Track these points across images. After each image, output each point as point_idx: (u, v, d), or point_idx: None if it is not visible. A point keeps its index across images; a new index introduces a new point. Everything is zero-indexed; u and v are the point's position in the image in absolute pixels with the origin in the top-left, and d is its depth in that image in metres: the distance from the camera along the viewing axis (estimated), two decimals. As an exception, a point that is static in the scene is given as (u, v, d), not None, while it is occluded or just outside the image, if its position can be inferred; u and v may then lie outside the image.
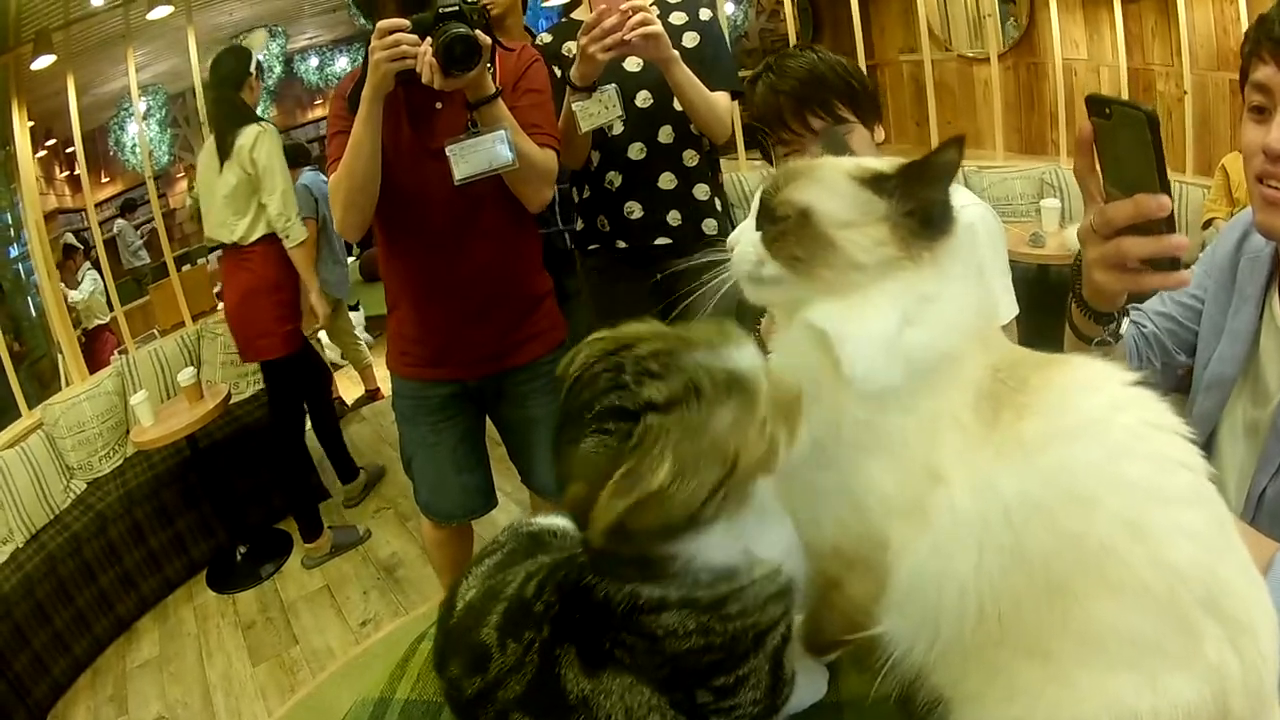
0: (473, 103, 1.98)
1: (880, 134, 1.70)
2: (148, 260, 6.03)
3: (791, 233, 0.73)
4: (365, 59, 1.99)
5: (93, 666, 4.06)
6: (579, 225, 2.77)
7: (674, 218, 2.59)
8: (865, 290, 0.70)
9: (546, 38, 2.65)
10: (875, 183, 0.72)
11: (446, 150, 1.99)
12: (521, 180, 2.13)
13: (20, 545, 4.00)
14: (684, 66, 2.34)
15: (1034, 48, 5.22)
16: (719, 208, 2.66)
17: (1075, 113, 4.82)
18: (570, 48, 2.40)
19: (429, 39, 1.87)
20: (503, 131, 1.98)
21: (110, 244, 5.41)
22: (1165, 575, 0.62)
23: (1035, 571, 0.65)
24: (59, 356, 4.94)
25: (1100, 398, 0.68)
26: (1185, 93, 4.46)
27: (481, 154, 1.97)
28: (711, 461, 0.65)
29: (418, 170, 2.10)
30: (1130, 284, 0.94)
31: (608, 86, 2.29)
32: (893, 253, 0.70)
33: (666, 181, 2.57)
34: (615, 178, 2.57)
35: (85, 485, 4.41)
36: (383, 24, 1.88)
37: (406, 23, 1.88)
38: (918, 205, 0.71)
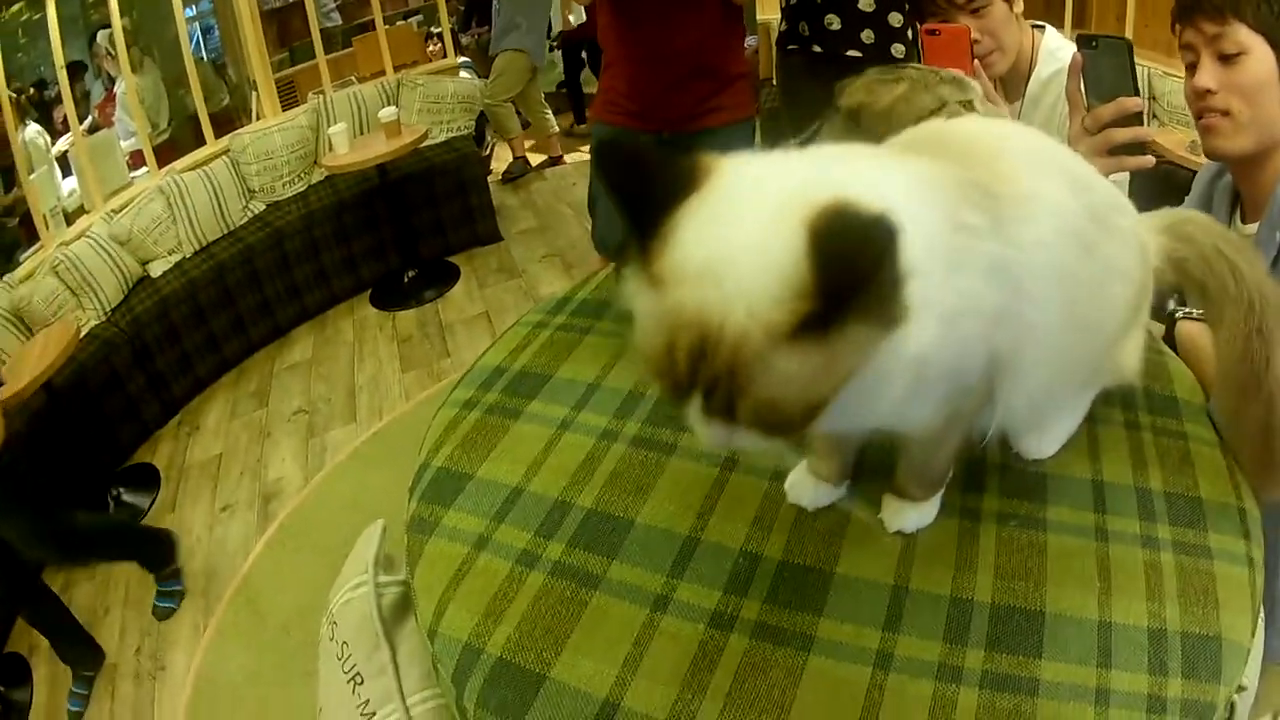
0: None
1: (1019, 5, 1.83)
2: (339, 23, 6.22)
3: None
4: None
5: (240, 366, 4.28)
6: (782, 26, 2.93)
7: (867, 35, 2.75)
8: None
9: None
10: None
11: None
12: None
13: (188, 255, 4.22)
14: None
15: None
16: (910, 37, 2.81)
17: None
18: None
19: None
20: None
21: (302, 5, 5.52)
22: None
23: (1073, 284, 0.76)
24: (253, 94, 5.17)
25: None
26: None
27: None
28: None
29: None
30: (1113, 167, 1.22)
31: None
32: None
33: (865, 3, 2.72)
34: None
35: (265, 206, 4.62)
36: None
37: None
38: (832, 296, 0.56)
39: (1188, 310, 1.23)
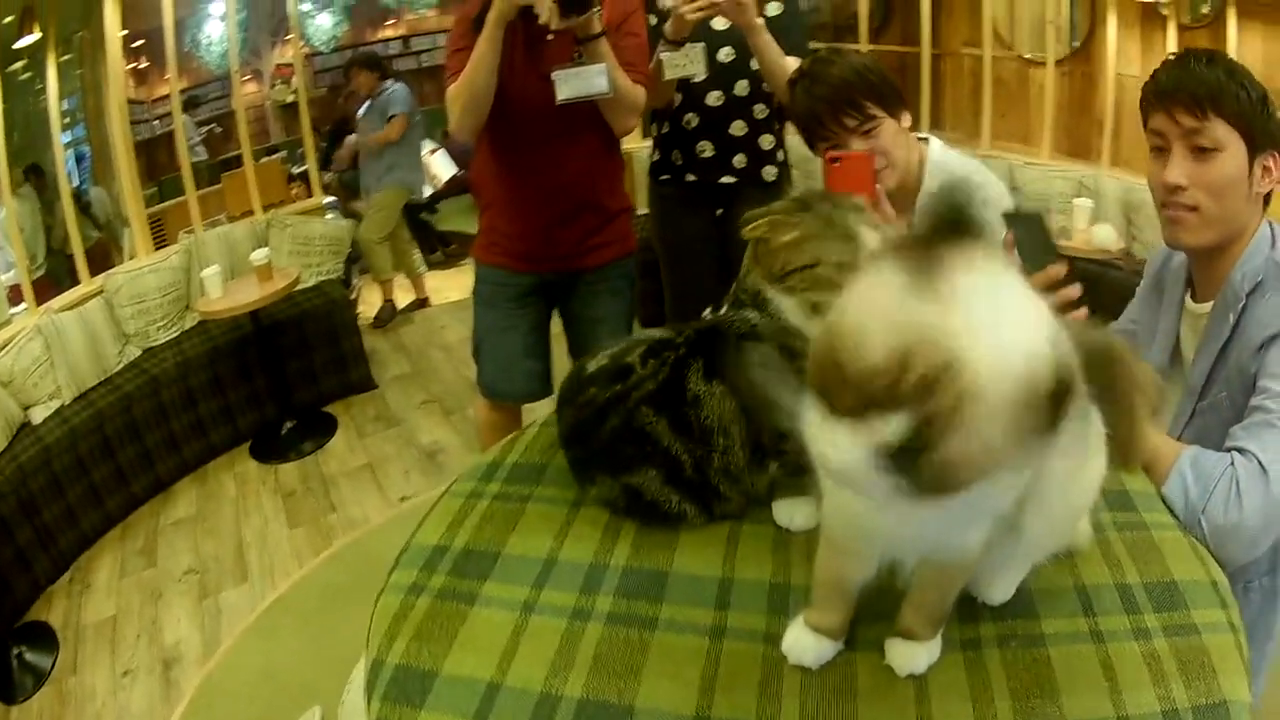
0: (581, 38, 2.26)
1: (907, 120, 1.87)
2: (205, 157, 6.16)
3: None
4: None
5: (125, 522, 4.02)
6: (654, 156, 3.07)
7: (739, 160, 2.91)
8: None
9: None
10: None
11: (552, 75, 2.26)
12: (613, 109, 2.41)
13: (67, 402, 4.00)
14: (764, 33, 2.59)
15: (1090, 58, 5.34)
16: (780, 158, 2.97)
17: (1122, 123, 5.03)
18: (666, 1, 2.70)
19: None
20: (604, 66, 2.27)
21: (168, 139, 5.46)
22: None
23: None
24: (125, 231, 5.01)
25: None
26: None
27: (582, 81, 2.27)
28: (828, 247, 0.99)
29: (526, 88, 2.36)
30: None
31: (696, 44, 2.61)
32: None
33: (737, 129, 2.86)
34: (693, 119, 2.87)
35: (140, 352, 4.43)
36: None
37: None
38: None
39: None
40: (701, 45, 2.63)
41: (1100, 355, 0.76)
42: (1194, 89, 1.29)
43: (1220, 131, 1.29)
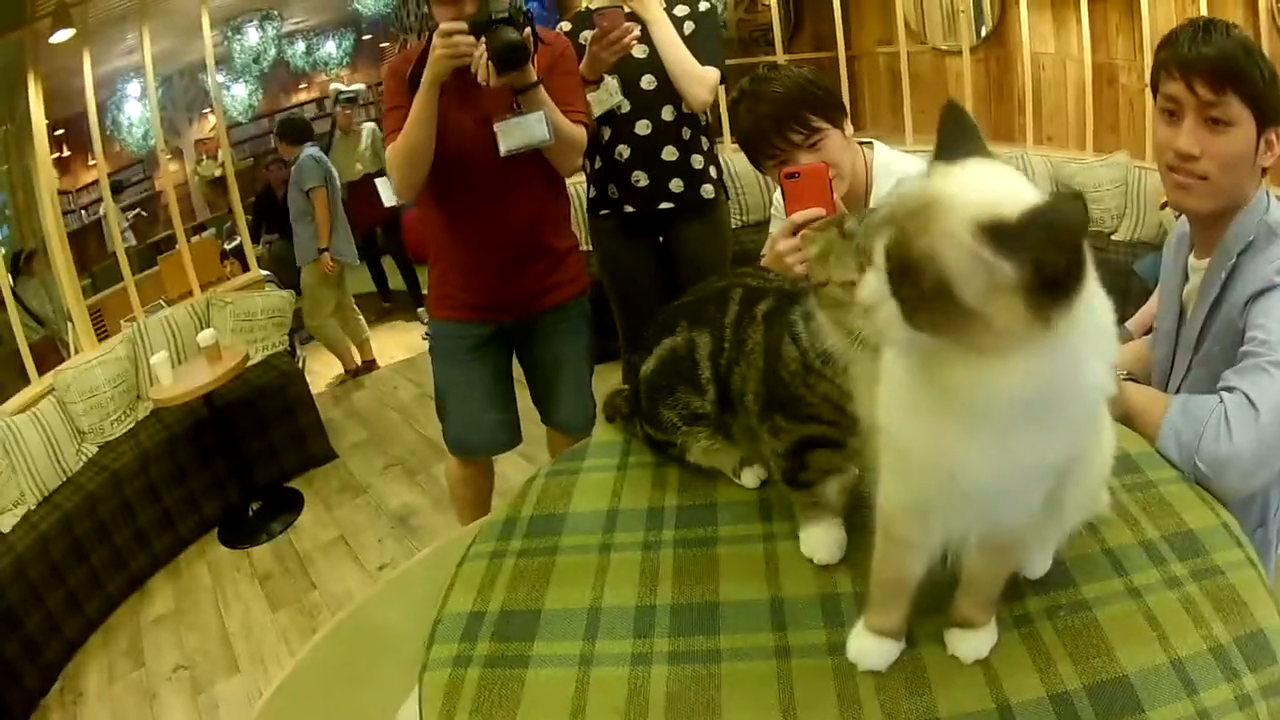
0: (518, 89, 2.27)
1: (849, 129, 1.90)
2: (134, 242, 6.02)
3: (932, 301, 0.68)
4: (427, 44, 2.32)
5: (105, 625, 3.92)
6: (591, 193, 3.10)
7: (676, 185, 2.95)
8: (1004, 355, 0.70)
9: (565, 26, 2.97)
10: (1003, 241, 0.66)
11: (495, 127, 2.27)
12: (557, 152, 2.41)
13: (33, 507, 3.92)
14: (666, 27, 2.74)
15: (1004, 41, 5.50)
16: (714, 175, 3.03)
17: (1043, 102, 5.25)
18: (585, 37, 2.76)
19: (483, 39, 2.16)
20: (543, 113, 2.28)
21: (96, 227, 5.37)
22: None
23: None
24: (68, 325, 4.91)
25: None
26: (1146, 85, 4.72)
27: (523, 131, 2.28)
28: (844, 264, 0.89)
29: (464, 139, 2.37)
30: None
31: (610, 78, 2.75)
32: (1028, 325, 0.68)
33: (669, 154, 2.91)
34: (624, 150, 2.91)
35: (97, 449, 4.34)
36: (444, 26, 2.17)
37: (464, 25, 2.16)
38: (1048, 272, 0.66)
39: (1120, 372, 1.35)
40: (615, 77, 2.75)
41: None
42: (1216, 63, 1.31)
43: (1235, 107, 1.31)
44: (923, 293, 0.68)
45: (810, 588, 1.01)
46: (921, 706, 0.84)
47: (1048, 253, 0.65)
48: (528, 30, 2.23)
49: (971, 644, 0.89)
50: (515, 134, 2.29)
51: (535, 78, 2.27)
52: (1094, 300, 0.72)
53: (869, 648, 0.90)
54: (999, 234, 0.65)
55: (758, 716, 0.86)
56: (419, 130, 2.31)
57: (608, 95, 2.78)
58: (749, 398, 1.11)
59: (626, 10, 2.68)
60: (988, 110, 5.62)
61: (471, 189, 2.46)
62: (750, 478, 1.21)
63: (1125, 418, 1.26)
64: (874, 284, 0.71)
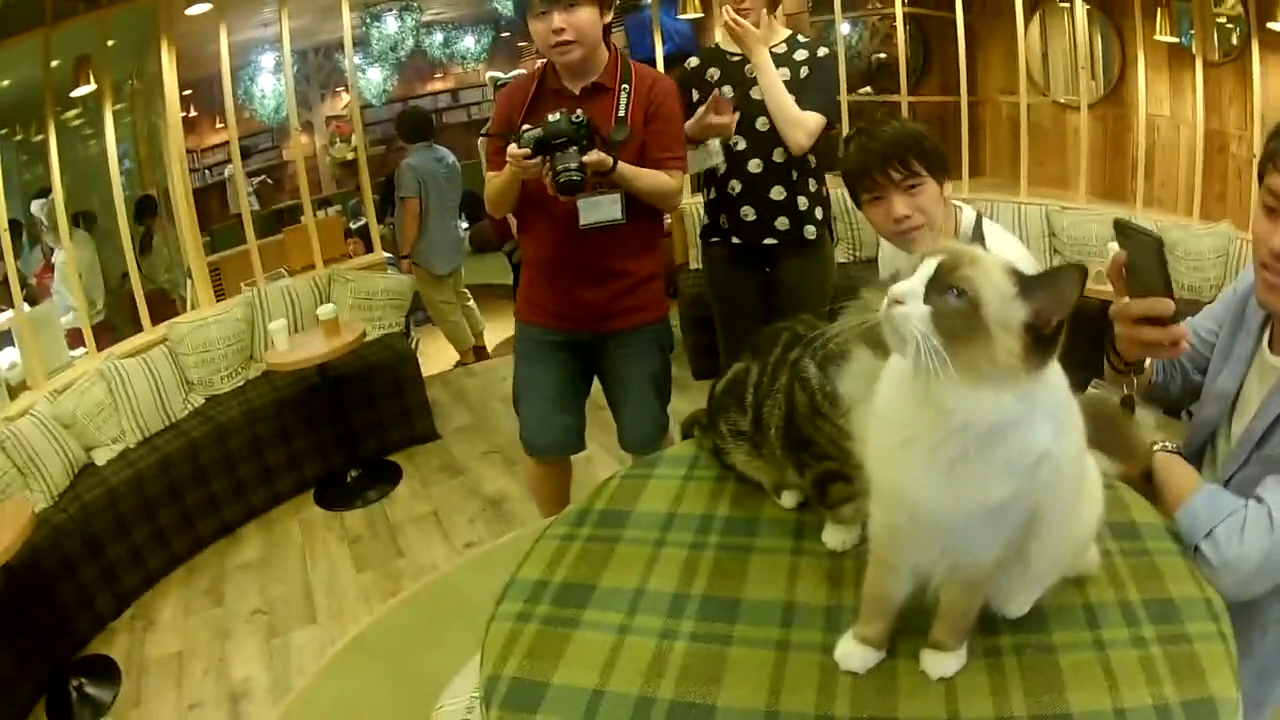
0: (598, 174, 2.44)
1: (948, 189, 1.98)
2: (257, 208, 6.21)
3: (960, 316, 0.83)
4: (541, 72, 2.65)
5: (190, 563, 4.15)
6: (704, 220, 3.31)
7: (781, 223, 3.11)
8: (987, 382, 0.84)
9: (694, 61, 3.17)
10: (1023, 284, 0.85)
11: (576, 203, 2.51)
12: (650, 203, 2.62)
13: (131, 445, 4.15)
14: (770, 75, 2.88)
15: (1122, 101, 5.43)
16: (819, 217, 3.17)
17: (1156, 164, 5.14)
18: (713, 74, 3.04)
19: (547, 161, 2.38)
20: (618, 195, 2.52)
21: (217, 188, 5.48)
22: None
23: None
24: (188, 282, 5.18)
25: None
26: (1255, 156, 4.58)
27: (599, 210, 2.54)
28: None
29: (546, 189, 2.50)
30: (1141, 354, 1.39)
31: (714, 141, 2.97)
32: (1017, 361, 0.84)
33: (777, 193, 3.07)
34: (736, 185, 3.10)
35: (204, 400, 4.58)
36: (511, 151, 2.40)
37: (529, 150, 2.37)
38: (1046, 317, 0.85)
39: (1164, 444, 1.40)
40: (718, 141, 2.97)
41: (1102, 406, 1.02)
42: None
43: None
44: (954, 308, 0.83)
45: (821, 598, 1.17)
46: (885, 707, 0.99)
47: (1049, 302, 0.83)
48: (589, 153, 2.37)
49: (940, 664, 1.03)
50: (592, 212, 2.53)
51: (610, 164, 2.42)
52: (1056, 377, 0.90)
53: (853, 652, 1.05)
54: (1021, 278, 0.84)
55: (749, 691, 1.03)
56: (502, 194, 2.59)
57: (706, 156, 2.99)
58: (773, 431, 1.29)
59: (735, 57, 2.93)
60: (1103, 167, 5.58)
61: (556, 223, 2.62)
62: (789, 499, 1.39)
63: (1158, 485, 1.34)
64: (911, 288, 0.85)
